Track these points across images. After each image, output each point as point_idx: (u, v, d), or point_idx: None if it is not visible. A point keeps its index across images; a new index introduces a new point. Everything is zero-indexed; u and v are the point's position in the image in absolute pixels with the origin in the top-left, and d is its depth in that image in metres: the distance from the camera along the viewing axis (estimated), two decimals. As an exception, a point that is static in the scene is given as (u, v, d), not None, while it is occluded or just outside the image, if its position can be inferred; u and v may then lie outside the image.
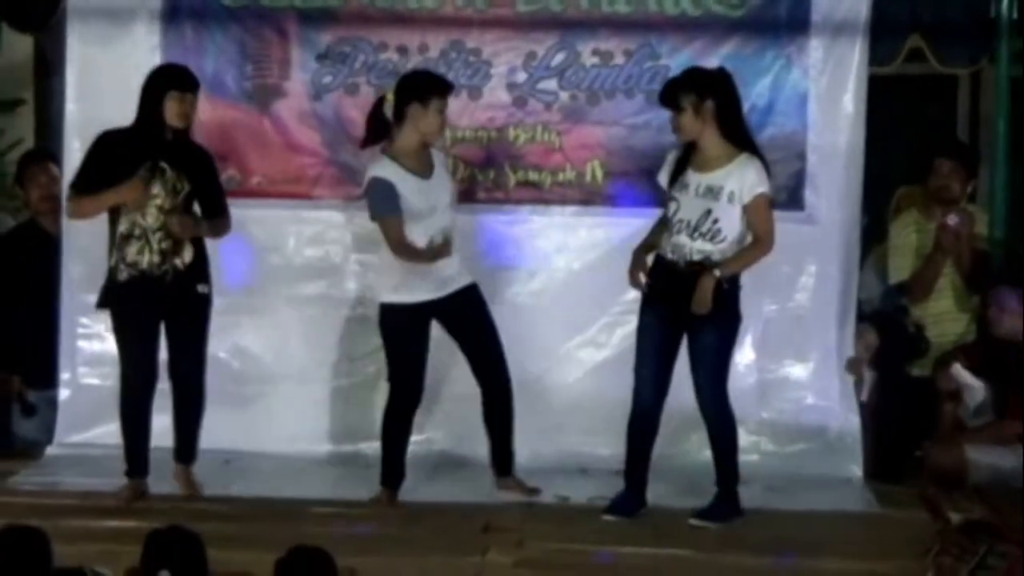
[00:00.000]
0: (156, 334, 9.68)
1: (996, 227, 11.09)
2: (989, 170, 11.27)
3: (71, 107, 10.97)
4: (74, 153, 10.78)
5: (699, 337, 9.35)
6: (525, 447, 10.05)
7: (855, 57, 10.70)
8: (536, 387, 10.56)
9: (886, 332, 10.83)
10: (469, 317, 9.76)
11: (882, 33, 10.79)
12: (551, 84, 10.80)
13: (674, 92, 9.32)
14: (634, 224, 10.65)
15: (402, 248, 9.48)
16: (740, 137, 9.36)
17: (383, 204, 9.53)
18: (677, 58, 10.71)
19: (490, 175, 10.70)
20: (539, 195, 10.73)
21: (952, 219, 10.75)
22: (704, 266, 9.16)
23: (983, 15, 10.98)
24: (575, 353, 10.74)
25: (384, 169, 9.54)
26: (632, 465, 9.58)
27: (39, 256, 10.95)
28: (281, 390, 10.34)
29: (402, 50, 10.81)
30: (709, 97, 9.24)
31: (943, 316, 10.95)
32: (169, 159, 9.51)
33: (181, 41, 10.88)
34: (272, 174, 10.42)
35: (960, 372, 10.49)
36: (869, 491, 10.30)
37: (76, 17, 10.91)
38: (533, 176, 10.79)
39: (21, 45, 12.81)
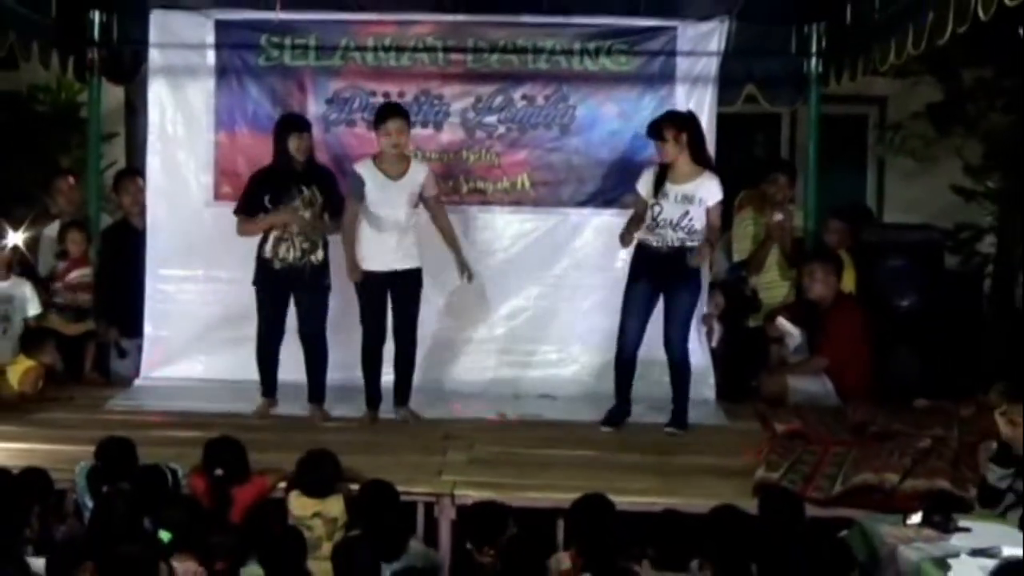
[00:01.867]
0: (288, 306, 9.63)
1: (808, 221, 11.10)
2: (803, 181, 11.24)
3: (151, 137, 10.87)
4: (155, 170, 10.86)
5: (675, 299, 9.35)
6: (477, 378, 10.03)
7: (708, 99, 10.65)
8: (483, 333, 10.56)
9: (730, 296, 10.81)
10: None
11: (727, 83, 10.79)
12: (492, 119, 10.73)
13: (660, 127, 9.31)
14: (551, 219, 10.72)
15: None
16: (704, 159, 9.35)
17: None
18: (582, 101, 10.72)
19: (449, 184, 10.54)
20: (484, 198, 10.67)
21: (778, 216, 10.76)
22: (681, 249, 9.19)
23: (798, 70, 11.00)
24: (509, 313, 10.69)
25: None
26: (619, 390, 9.54)
27: (130, 244, 10.85)
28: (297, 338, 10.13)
29: (386, 95, 10.68)
30: (684, 131, 9.24)
31: (771, 284, 10.92)
32: (303, 181, 9.46)
33: (229, 90, 10.79)
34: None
35: (783, 323, 10.51)
36: (719, 409, 10.26)
37: (154, 73, 10.83)
38: (480, 185, 10.71)
39: (115, 93, 12.69)
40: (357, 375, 9.99)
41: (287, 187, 9.43)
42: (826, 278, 10.27)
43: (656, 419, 9.60)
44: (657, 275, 9.32)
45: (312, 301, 9.60)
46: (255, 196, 9.55)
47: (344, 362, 10.04)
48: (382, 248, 9.41)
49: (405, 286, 9.49)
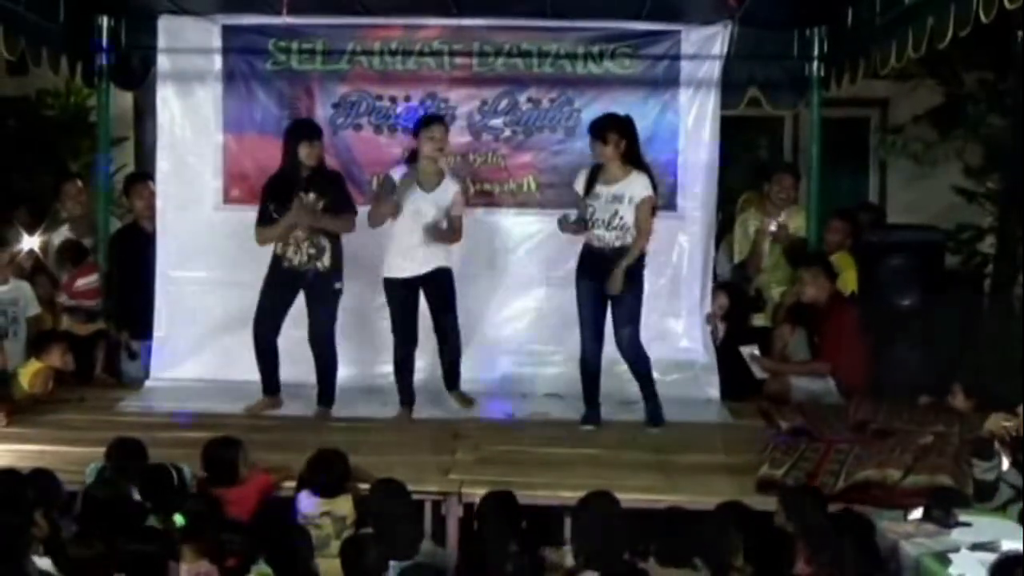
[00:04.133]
0: (287, 306, 9.68)
1: (811, 223, 11.08)
2: (806, 184, 11.25)
3: (160, 142, 10.92)
4: (164, 174, 10.89)
5: (618, 303, 9.37)
6: (482, 376, 10.19)
7: (711, 103, 10.70)
8: (490, 333, 10.59)
9: (733, 295, 10.83)
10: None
11: (730, 86, 10.80)
12: (498, 122, 10.76)
13: (603, 130, 9.33)
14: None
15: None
16: (634, 159, 9.36)
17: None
18: (587, 104, 10.72)
19: (457, 186, 10.59)
20: (491, 200, 10.72)
21: (771, 224, 10.91)
22: (620, 250, 9.22)
23: (800, 74, 10.99)
24: (516, 313, 10.72)
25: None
26: (588, 391, 9.57)
27: (140, 247, 10.85)
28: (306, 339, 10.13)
29: (392, 99, 10.78)
30: (623, 136, 9.28)
31: (764, 287, 11.01)
32: (307, 188, 9.50)
33: (237, 95, 10.82)
34: (303, 188, 10.32)
35: (784, 333, 10.52)
36: (724, 407, 10.30)
37: (163, 78, 10.87)
38: (487, 187, 10.77)
39: (123, 98, 12.75)
40: (367, 373, 10.08)
41: (291, 194, 9.48)
42: (815, 281, 10.30)
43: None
44: (601, 276, 9.34)
45: (319, 307, 9.65)
46: (265, 205, 9.62)
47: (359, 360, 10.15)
48: (410, 256, 9.52)
49: (436, 285, 9.60)
